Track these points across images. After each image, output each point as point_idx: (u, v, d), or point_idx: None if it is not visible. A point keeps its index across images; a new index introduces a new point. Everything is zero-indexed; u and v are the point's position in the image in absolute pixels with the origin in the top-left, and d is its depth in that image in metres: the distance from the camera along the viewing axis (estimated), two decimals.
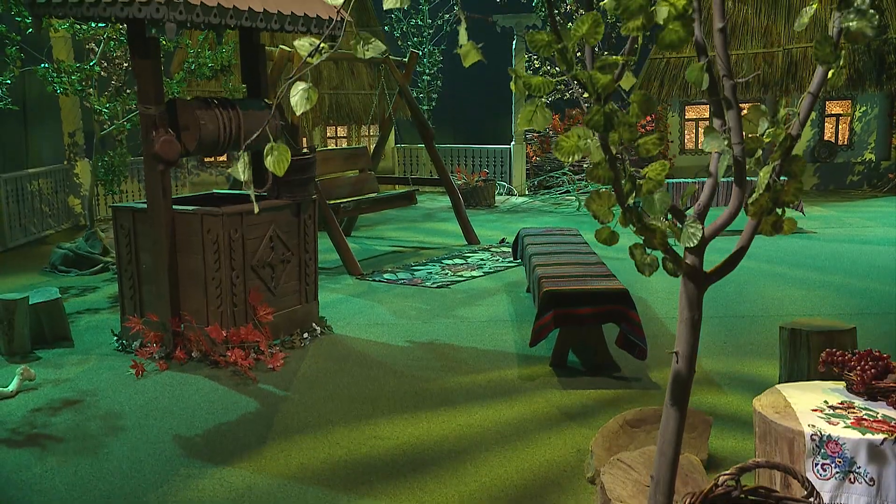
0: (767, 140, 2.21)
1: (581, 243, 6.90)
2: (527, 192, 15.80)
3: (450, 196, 10.45)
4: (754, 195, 2.22)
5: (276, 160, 1.92)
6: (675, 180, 11.13)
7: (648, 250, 2.15)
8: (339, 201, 9.05)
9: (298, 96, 1.87)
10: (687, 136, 16.37)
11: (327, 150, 10.12)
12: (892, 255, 8.75)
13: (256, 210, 2.22)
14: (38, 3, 5.14)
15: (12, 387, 4.80)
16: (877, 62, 14.96)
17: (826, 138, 16.14)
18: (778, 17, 16.37)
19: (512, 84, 1.98)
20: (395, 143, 17.30)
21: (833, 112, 16.15)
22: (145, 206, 5.55)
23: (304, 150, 6.57)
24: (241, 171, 1.94)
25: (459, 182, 13.98)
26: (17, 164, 10.87)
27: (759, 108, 2.23)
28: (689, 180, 11.01)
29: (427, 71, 17.25)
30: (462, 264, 8.89)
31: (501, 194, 15.63)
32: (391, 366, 5.34)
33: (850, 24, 2.05)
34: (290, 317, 5.91)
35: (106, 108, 8.42)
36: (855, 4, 2.04)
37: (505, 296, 7.32)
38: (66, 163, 11.72)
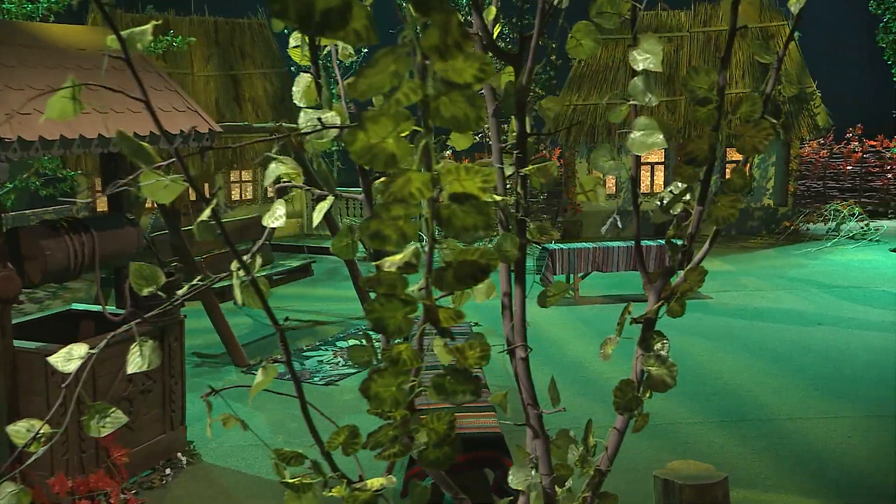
0: (577, 467, 2.04)
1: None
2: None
3: (347, 266, 10.14)
4: None
5: None
6: (578, 245, 11.11)
7: None
8: (225, 283, 8.64)
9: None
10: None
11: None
12: (779, 335, 8.90)
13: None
14: None
15: None
16: (774, 110, 15.45)
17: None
18: (680, 66, 16.74)
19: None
20: None
21: (733, 158, 16.57)
22: None
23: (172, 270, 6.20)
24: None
25: None
26: None
27: (567, 435, 2.06)
28: (590, 245, 10.99)
29: None
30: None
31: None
32: None
33: (651, 368, 1.91)
34: (151, 450, 5.52)
35: None
36: (654, 349, 1.89)
37: None
38: None
